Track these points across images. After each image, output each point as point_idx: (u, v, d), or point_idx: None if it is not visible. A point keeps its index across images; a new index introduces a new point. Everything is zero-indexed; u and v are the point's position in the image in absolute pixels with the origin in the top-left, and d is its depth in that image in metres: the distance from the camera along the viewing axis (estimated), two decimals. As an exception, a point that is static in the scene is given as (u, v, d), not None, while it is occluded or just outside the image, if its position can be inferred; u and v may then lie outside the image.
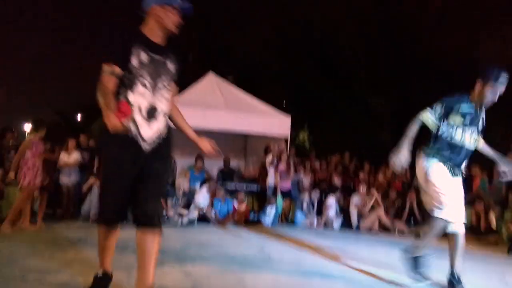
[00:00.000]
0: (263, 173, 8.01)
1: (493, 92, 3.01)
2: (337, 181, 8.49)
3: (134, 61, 2.16)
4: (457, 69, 12.28)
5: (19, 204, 5.02)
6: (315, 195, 7.61)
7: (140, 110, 2.17)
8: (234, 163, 9.39)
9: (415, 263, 3.15)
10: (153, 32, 2.24)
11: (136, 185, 2.19)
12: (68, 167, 6.80)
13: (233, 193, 7.34)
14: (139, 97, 2.18)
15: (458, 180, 3.14)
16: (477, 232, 6.56)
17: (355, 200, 7.37)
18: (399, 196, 7.75)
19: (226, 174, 8.57)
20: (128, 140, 2.16)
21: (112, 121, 2.03)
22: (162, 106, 2.26)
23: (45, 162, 5.41)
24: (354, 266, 3.81)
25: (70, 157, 6.85)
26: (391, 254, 4.74)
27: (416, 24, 13.55)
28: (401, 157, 3.08)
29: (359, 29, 14.41)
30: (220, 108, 8.05)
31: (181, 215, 6.32)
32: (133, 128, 2.16)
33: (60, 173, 6.80)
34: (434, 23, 13.34)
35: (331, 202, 7.39)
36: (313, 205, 7.52)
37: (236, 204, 6.88)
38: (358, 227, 7.16)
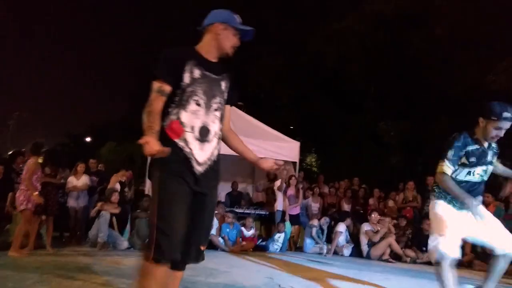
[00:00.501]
0: (271, 198, 7.94)
1: (498, 128, 2.90)
2: (346, 207, 8.38)
3: (187, 78, 2.00)
4: (463, 98, 12.37)
5: (20, 228, 5.02)
6: (325, 221, 7.49)
7: (192, 129, 1.98)
8: (242, 187, 9.34)
9: None
10: (208, 50, 2.11)
11: (191, 218, 1.98)
12: (77, 190, 6.81)
13: (241, 218, 7.27)
14: (192, 116, 1.99)
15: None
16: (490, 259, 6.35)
17: (365, 227, 7.23)
18: (410, 223, 7.59)
19: (234, 198, 8.51)
20: (183, 164, 1.96)
21: (149, 144, 1.76)
22: (215, 126, 2.06)
23: (45, 186, 5.39)
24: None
25: (79, 181, 6.87)
26: (403, 282, 4.63)
27: (425, 54, 13.74)
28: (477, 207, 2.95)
29: (369, 57, 14.63)
30: (229, 132, 8.06)
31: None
32: (186, 149, 1.98)
33: (68, 196, 6.81)
34: (442, 55, 13.52)
35: (341, 229, 7.26)
36: (322, 232, 7.39)
37: (244, 230, 6.79)
38: (368, 255, 7.00)
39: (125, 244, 5.95)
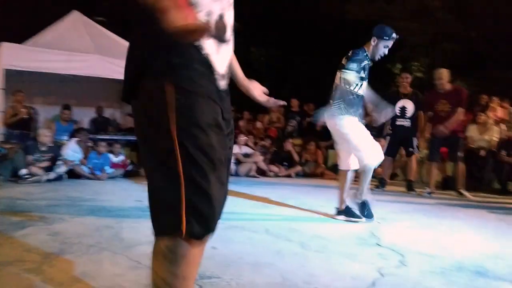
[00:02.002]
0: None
1: (386, 47, 3.38)
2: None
3: None
4: (329, 27, 13.31)
5: None
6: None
7: (209, 21, 1.11)
8: (109, 113, 8.76)
9: (363, 208, 3.50)
10: None
11: None
12: None
13: (109, 145, 6.90)
14: None
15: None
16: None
17: (234, 147, 7.60)
18: (274, 142, 8.27)
19: (100, 124, 7.98)
20: (208, 76, 1.12)
21: (184, 12, 0.87)
22: (231, 18, 1.20)
23: None
24: (234, 207, 4.00)
25: None
26: (267, 192, 5.12)
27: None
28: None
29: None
30: (89, 51, 7.24)
31: (46, 171, 5.69)
32: (205, 50, 1.11)
33: None
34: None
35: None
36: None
37: (112, 157, 6.49)
38: (237, 172, 7.46)
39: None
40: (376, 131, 7.55)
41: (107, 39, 8.01)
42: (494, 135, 6.78)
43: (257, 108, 9.80)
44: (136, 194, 4.79)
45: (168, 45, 1.04)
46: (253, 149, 7.73)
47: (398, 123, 5.96)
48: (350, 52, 3.42)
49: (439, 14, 13.77)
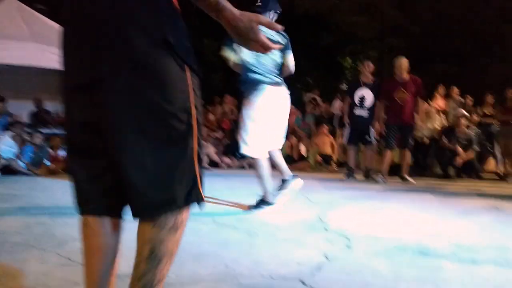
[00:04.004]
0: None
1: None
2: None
3: None
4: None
5: None
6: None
7: None
8: (49, 105, 8.23)
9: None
10: None
11: None
12: None
13: (49, 139, 6.48)
14: None
15: (279, 107, 3.42)
16: (291, 160, 7.51)
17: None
18: (227, 134, 8.16)
19: (39, 117, 7.49)
20: None
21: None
22: None
23: None
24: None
25: None
26: (216, 184, 5.03)
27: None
28: None
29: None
30: (25, 40, 6.73)
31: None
32: None
33: None
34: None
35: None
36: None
37: (51, 151, 6.09)
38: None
39: None
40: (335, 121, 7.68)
41: (46, 27, 7.48)
42: (437, 123, 7.11)
43: (210, 101, 9.63)
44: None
45: (183, 28, 1.16)
46: (205, 140, 7.59)
47: (357, 113, 5.95)
48: None
49: (386, 9, 14.26)
